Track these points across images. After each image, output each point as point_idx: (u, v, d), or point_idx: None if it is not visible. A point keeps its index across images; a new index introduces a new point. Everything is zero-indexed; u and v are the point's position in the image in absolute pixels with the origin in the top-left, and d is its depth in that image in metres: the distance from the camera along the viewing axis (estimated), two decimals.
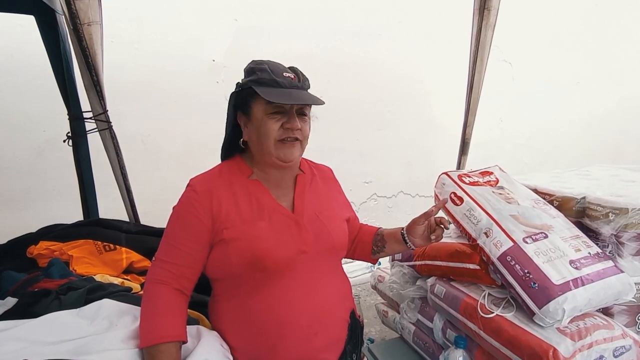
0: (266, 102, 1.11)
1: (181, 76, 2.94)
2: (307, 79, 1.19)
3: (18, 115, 2.60)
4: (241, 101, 1.18)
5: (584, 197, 1.55)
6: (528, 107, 4.44)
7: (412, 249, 1.34)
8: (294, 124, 1.13)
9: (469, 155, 2.91)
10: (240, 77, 1.21)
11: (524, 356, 1.24)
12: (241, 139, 1.21)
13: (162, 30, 2.85)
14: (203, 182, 1.19)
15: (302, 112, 1.17)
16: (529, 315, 1.29)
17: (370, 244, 1.42)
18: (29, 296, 1.24)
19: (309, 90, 1.20)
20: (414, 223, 1.29)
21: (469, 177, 1.69)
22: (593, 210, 1.50)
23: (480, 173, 1.73)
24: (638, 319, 1.51)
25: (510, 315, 1.35)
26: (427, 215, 1.26)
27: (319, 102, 1.14)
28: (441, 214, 1.41)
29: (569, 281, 1.27)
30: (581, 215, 1.56)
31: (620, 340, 1.27)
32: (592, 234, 1.51)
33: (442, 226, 1.25)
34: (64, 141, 2.08)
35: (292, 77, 1.14)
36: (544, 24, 4.29)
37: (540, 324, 1.27)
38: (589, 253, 1.39)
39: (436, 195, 1.74)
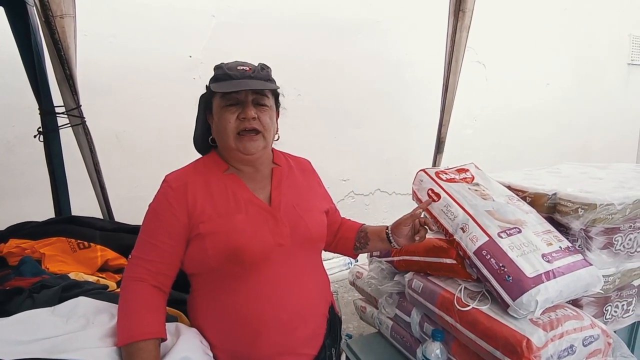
0: (221, 96, 1.15)
1: (157, 72, 2.89)
2: (266, 70, 1.20)
3: None
4: (206, 101, 1.22)
5: (555, 194, 1.61)
6: (501, 107, 4.56)
7: (396, 247, 1.37)
8: (247, 112, 1.14)
9: (445, 154, 2.97)
10: None
11: (499, 347, 1.28)
12: (210, 137, 1.24)
13: (137, 25, 2.79)
14: (178, 178, 1.18)
15: (259, 102, 1.17)
16: (504, 307, 1.33)
17: (352, 240, 1.44)
18: (0, 294, 1.20)
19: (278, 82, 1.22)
20: (399, 224, 1.31)
21: (446, 174, 1.72)
22: (563, 206, 1.55)
23: (456, 170, 1.77)
24: (605, 310, 1.58)
25: (485, 308, 1.38)
26: (412, 217, 1.29)
27: (267, 87, 1.16)
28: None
29: (541, 274, 1.32)
30: (552, 210, 1.61)
31: (589, 330, 1.33)
32: (563, 229, 1.56)
33: (427, 227, 1.28)
34: (35, 137, 2.02)
35: (247, 69, 1.16)
36: (516, 27, 4.43)
37: (514, 315, 1.30)
38: (560, 247, 1.44)
39: (414, 192, 1.77)
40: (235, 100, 1.15)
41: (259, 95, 1.17)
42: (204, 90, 1.24)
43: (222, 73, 1.15)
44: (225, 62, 1.19)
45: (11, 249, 1.64)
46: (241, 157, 1.19)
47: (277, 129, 1.29)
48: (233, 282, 1.15)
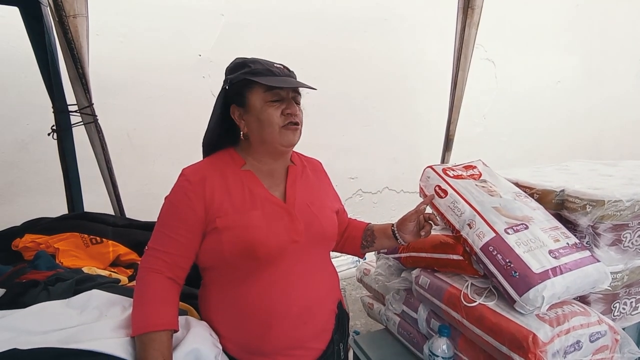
0: (264, 91, 1.16)
1: (167, 70, 2.93)
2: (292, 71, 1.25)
3: (1, 108, 2.56)
4: (235, 94, 1.19)
5: (562, 190, 1.60)
6: (511, 105, 4.53)
7: (402, 244, 1.39)
8: (293, 109, 1.18)
9: (453, 152, 2.97)
10: None
11: (505, 342, 1.28)
12: (241, 132, 1.22)
13: (148, 25, 2.84)
14: (196, 171, 1.19)
15: (296, 100, 1.21)
16: (510, 303, 1.33)
17: (359, 238, 1.46)
18: (17, 287, 1.24)
19: None
20: (404, 220, 1.33)
21: (453, 170, 1.73)
22: (571, 202, 1.55)
23: (463, 167, 1.77)
24: (613, 307, 1.58)
25: (492, 304, 1.39)
26: (417, 212, 1.31)
27: (313, 87, 1.18)
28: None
29: (548, 270, 1.31)
30: (560, 207, 1.61)
31: (596, 326, 1.32)
32: (571, 225, 1.56)
33: (431, 222, 1.30)
34: (49, 134, 2.06)
35: (282, 67, 1.20)
36: (526, 24, 4.39)
37: (521, 311, 1.31)
38: (567, 243, 1.43)
39: (421, 189, 1.78)
40: (279, 97, 1.17)
41: (296, 93, 1.21)
42: (213, 89, 1.26)
43: (263, 68, 1.17)
44: (247, 57, 1.22)
45: (27, 243, 1.68)
46: (280, 149, 1.21)
47: None
48: (246, 276, 1.17)
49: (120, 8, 2.73)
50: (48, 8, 1.84)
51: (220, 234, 1.14)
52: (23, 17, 1.96)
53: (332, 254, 1.40)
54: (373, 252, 1.98)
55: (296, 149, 1.41)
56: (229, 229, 1.14)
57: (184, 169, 1.21)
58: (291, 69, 1.24)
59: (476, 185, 1.64)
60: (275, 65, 1.19)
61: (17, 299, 1.20)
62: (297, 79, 1.25)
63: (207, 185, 1.16)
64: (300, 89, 1.25)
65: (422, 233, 1.30)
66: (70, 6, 1.78)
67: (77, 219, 1.85)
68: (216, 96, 1.24)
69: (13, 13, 1.95)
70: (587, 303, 1.51)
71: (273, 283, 1.17)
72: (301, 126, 1.23)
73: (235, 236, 1.13)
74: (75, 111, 2.03)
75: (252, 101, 1.17)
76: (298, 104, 1.23)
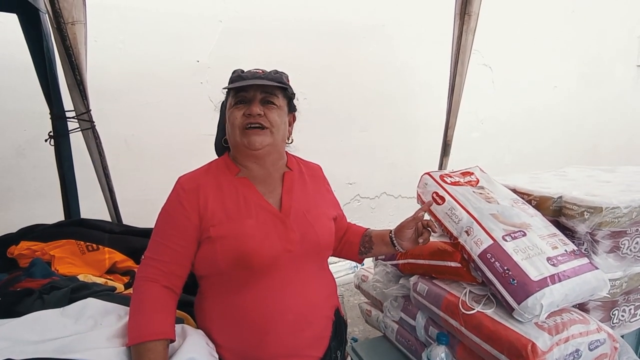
0: (232, 96, 1.20)
1: (165, 76, 2.92)
2: (280, 74, 1.23)
3: None
4: (224, 105, 1.26)
5: (560, 197, 1.60)
6: (508, 110, 4.54)
7: (400, 251, 1.37)
8: (252, 109, 1.16)
9: (451, 157, 2.97)
10: (224, 77, 1.25)
11: (504, 351, 1.27)
12: (223, 137, 1.27)
13: (146, 31, 2.83)
14: (191, 180, 1.20)
15: (267, 101, 1.19)
16: (509, 311, 1.33)
17: (357, 244, 1.44)
18: (11, 295, 1.23)
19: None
20: (402, 227, 1.32)
21: (451, 177, 1.72)
22: (569, 209, 1.55)
23: (461, 173, 1.77)
24: (612, 314, 1.57)
25: (490, 312, 1.38)
26: (415, 219, 1.29)
27: (271, 84, 1.17)
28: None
29: (546, 277, 1.31)
30: (558, 214, 1.60)
31: (595, 335, 1.32)
32: (569, 232, 1.56)
33: (430, 229, 1.28)
34: (46, 140, 2.05)
35: (259, 71, 1.21)
36: (523, 30, 4.41)
37: (519, 319, 1.30)
38: (566, 250, 1.43)
39: (419, 195, 1.77)
40: (244, 98, 1.18)
41: (267, 94, 1.19)
42: (211, 95, 1.28)
43: (236, 75, 1.21)
44: (237, 67, 1.25)
45: (22, 250, 1.66)
46: (248, 152, 1.20)
47: (290, 132, 1.31)
48: (241, 284, 1.16)
49: (118, 14, 2.73)
50: (46, 15, 1.84)
51: (214, 243, 1.14)
52: (21, 23, 1.95)
53: (331, 259, 1.39)
54: (371, 258, 1.98)
55: (294, 153, 1.40)
56: (223, 238, 1.13)
57: (179, 178, 1.21)
58: (277, 72, 1.23)
59: (473, 192, 1.64)
60: (252, 70, 1.21)
61: (12, 308, 1.19)
62: (291, 83, 1.26)
63: (201, 194, 1.17)
64: (299, 94, 1.26)
65: (420, 240, 1.29)
66: (68, 13, 1.78)
67: (73, 226, 1.83)
68: (214, 102, 1.30)
69: (12, 19, 1.95)
70: (586, 310, 1.51)
71: (268, 291, 1.16)
72: (275, 129, 1.19)
73: (228, 245, 1.13)
74: (73, 117, 2.02)
75: (227, 107, 1.22)
76: (271, 104, 1.19)
